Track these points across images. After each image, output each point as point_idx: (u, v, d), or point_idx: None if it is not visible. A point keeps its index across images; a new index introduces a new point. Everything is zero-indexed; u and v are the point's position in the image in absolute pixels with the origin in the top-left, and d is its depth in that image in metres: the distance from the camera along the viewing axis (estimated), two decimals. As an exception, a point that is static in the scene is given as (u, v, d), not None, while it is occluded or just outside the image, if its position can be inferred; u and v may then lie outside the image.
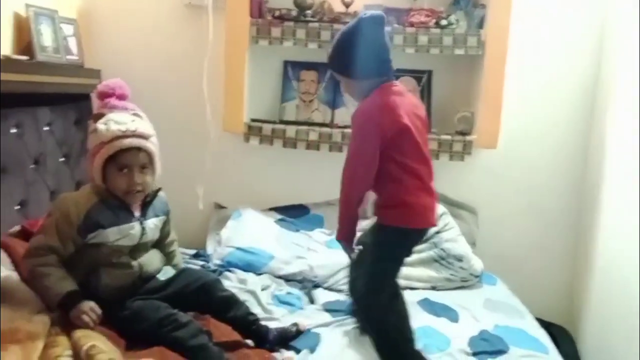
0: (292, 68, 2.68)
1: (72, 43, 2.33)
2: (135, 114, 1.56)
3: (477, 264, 2.31)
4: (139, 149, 1.50)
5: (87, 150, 2.46)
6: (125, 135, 1.47)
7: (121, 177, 1.49)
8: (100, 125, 1.48)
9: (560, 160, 2.61)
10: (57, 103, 2.21)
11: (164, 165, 2.59)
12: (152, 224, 1.61)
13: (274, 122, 2.58)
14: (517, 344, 1.75)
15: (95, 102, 1.61)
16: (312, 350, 1.59)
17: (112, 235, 1.49)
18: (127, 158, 1.49)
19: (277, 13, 2.55)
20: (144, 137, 1.52)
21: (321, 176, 2.50)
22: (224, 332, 1.56)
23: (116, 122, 1.48)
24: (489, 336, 1.79)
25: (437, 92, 2.65)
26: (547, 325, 2.51)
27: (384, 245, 1.63)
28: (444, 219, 2.38)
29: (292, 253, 2.31)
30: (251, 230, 2.41)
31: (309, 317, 1.83)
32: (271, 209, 2.64)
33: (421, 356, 1.56)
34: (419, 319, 1.87)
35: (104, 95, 1.56)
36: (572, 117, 2.57)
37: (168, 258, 1.72)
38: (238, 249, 2.31)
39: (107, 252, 1.49)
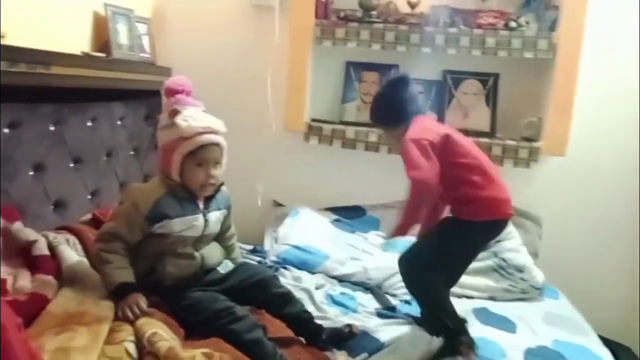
0: (354, 69, 2.68)
1: (145, 41, 2.43)
2: (205, 111, 1.62)
3: (539, 276, 2.23)
4: (215, 144, 1.56)
5: (156, 145, 2.61)
6: (205, 131, 1.53)
7: (199, 172, 1.54)
8: (181, 121, 1.53)
9: (630, 170, 2.47)
10: (129, 98, 2.32)
11: (227, 161, 2.72)
12: (215, 216, 1.65)
13: (334, 123, 2.59)
14: (579, 362, 1.67)
15: (164, 98, 1.65)
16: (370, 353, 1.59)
17: (178, 225, 1.53)
18: (205, 153, 1.54)
19: (342, 14, 2.55)
20: (219, 133, 1.58)
21: (379, 178, 2.49)
22: (278, 327, 1.58)
23: (194, 118, 1.54)
24: (547, 351, 1.72)
25: (504, 96, 2.58)
26: (611, 344, 2.40)
27: (452, 236, 1.70)
28: (506, 228, 2.31)
29: (347, 254, 2.30)
30: (307, 229, 2.43)
31: (361, 319, 1.82)
32: (328, 209, 2.65)
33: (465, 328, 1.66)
34: (473, 329, 1.83)
35: (173, 92, 1.61)
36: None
37: (227, 251, 1.76)
38: (294, 246, 2.33)
39: (172, 241, 1.54)
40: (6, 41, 1.56)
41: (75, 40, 2.03)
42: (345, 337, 1.60)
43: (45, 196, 1.79)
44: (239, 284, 1.60)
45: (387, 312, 1.92)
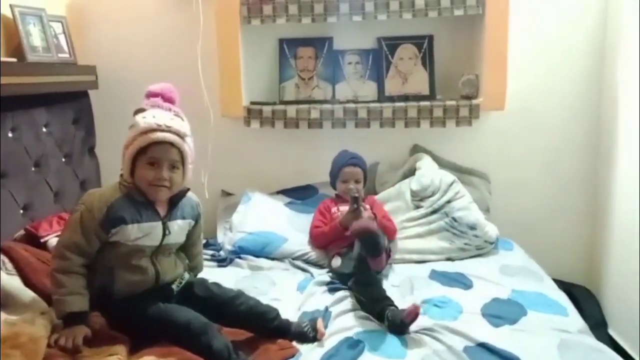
0: (288, 46, 2.62)
1: (63, 41, 2.30)
2: (176, 115, 1.54)
3: (492, 231, 2.26)
4: (171, 144, 1.47)
5: (90, 148, 2.49)
6: (159, 128, 1.45)
7: (148, 170, 1.46)
8: (138, 117, 1.47)
9: (572, 117, 2.52)
10: (53, 103, 2.20)
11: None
12: (177, 225, 1.56)
13: (274, 103, 2.53)
14: (536, 308, 1.70)
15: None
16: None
17: (133, 232, 1.45)
18: (157, 151, 1.46)
19: (267, -10, 2.47)
20: (179, 134, 1.49)
21: (326, 154, 2.44)
22: (239, 331, 1.55)
23: (154, 116, 1.47)
24: (503, 302, 1.75)
25: (440, 57, 2.58)
26: (569, 287, 2.48)
27: None
28: (454, 188, 2.33)
29: (305, 235, 2.27)
30: (262, 214, 2.39)
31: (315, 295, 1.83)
32: (279, 192, 2.60)
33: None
34: (429, 291, 1.85)
35: (150, 94, 1.56)
36: (582, 71, 2.48)
37: (191, 268, 1.69)
38: (249, 233, 2.29)
39: (126, 251, 1.46)
40: None
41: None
42: (308, 339, 1.55)
43: (-29, 217, 1.68)
44: (196, 307, 1.50)
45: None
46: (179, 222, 1.57)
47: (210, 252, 2.26)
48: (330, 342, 1.52)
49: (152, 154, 1.46)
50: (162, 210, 1.53)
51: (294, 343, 1.53)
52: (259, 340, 1.52)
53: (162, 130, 1.46)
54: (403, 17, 2.40)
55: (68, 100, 2.32)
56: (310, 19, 2.42)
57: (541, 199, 2.60)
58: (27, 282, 1.46)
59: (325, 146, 2.52)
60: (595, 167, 2.52)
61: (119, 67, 2.59)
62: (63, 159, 2.26)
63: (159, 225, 1.50)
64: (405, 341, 1.52)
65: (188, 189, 1.61)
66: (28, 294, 1.38)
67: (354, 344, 1.49)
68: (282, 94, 2.61)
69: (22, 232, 1.81)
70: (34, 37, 2.07)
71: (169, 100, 1.57)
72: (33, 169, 2.05)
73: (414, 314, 1.55)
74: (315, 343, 1.53)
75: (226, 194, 2.65)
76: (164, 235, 1.52)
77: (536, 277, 1.99)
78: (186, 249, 1.67)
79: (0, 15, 1.99)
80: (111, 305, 1.44)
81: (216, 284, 1.64)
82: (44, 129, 2.13)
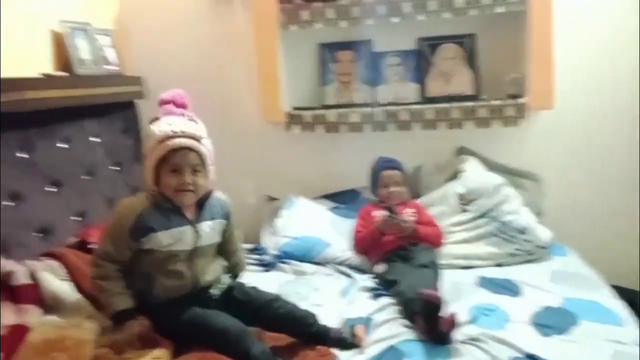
0: (328, 50, 2.62)
1: (110, 53, 2.37)
2: (190, 119, 1.56)
3: (544, 235, 2.17)
4: (189, 149, 1.49)
5: (139, 156, 2.56)
6: (175, 135, 1.47)
7: (172, 177, 1.48)
8: (153, 126, 1.50)
9: (627, 114, 2.39)
10: (102, 113, 2.27)
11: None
12: (207, 227, 1.57)
13: (315, 108, 2.53)
14: (589, 317, 1.61)
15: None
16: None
17: (164, 239, 1.47)
18: (177, 158, 1.47)
19: (305, -5, 2.48)
20: (195, 138, 1.51)
21: (369, 158, 2.42)
22: (280, 336, 1.55)
23: (168, 123, 1.49)
24: (554, 311, 1.67)
25: (484, 56, 2.51)
26: (633, 296, 2.33)
27: None
28: (503, 190, 2.25)
29: (348, 240, 2.26)
30: (305, 219, 2.39)
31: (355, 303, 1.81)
32: (323, 197, 2.60)
33: None
34: (476, 298, 1.79)
35: (163, 102, 1.58)
36: (632, 66, 2.34)
37: (230, 265, 1.70)
38: (293, 238, 2.29)
39: (162, 257, 1.49)
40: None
41: (36, 62, 1.98)
42: (347, 346, 1.54)
43: (26, 224, 1.75)
44: (235, 311, 1.52)
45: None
46: (209, 223, 1.58)
47: (255, 256, 2.28)
48: (371, 350, 1.50)
49: (173, 161, 1.48)
50: (190, 214, 1.55)
51: (333, 350, 1.51)
52: (299, 346, 1.52)
53: (178, 136, 1.47)
54: (442, 16, 2.35)
55: (116, 110, 2.40)
56: (347, 22, 2.40)
57: (599, 200, 2.47)
58: (78, 287, 1.51)
59: (367, 150, 2.49)
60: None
61: (163, 76, 2.62)
62: (114, 168, 2.33)
63: (188, 229, 1.52)
64: (448, 351, 1.47)
65: (211, 191, 1.62)
66: (77, 299, 1.44)
67: (395, 354, 1.46)
68: (323, 98, 2.61)
69: (74, 238, 1.88)
70: (81, 50, 2.14)
71: (181, 105, 1.58)
72: (85, 177, 2.12)
73: (449, 323, 1.50)
74: (356, 350, 1.51)
75: (271, 198, 2.67)
76: (195, 238, 1.53)
77: (591, 284, 1.89)
78: (222, 248, 1.68)
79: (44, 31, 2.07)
80: (151, 309, 1.47)
81: (254, 288, 1.65)
82: (95, 139, 2.21)
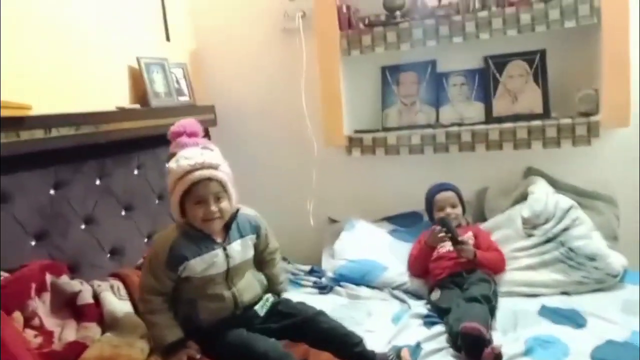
0: (390, 73, 2.63)
1: (184, 85, 2.55)
2: (205, 147, 1.61)
3: (617, 262, 2.02)
4: (209, 179, 1.53)
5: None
6: (194, 168, 1.51)
7: (198, 209, 1.53)
8: (172, 163, 1.55)
9: None
10: (176, 142, 2.44)
11: (276, 185, 2.77)
12: (237, 245, 1.61)
13: (375, 131, 2.55)
14: (659, 355, 1.49)
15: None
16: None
17: (198, 265, 1.53)
18: (200, 190, 1.52)
19: (366, 21, 2.52)
20: (213, 167, 1.54)
21: (431, 180, 2.39)
22: (324, 356, 1.57)
23: (185, 157, 1.53)
24: (619, 346, 1.55)
25: (554, 73, 2.39)
26: None
27: None
28: (572, 214, 2.12)
29: (406, 264, 2.24)
30: (364, 242, 2.40)
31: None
32: (384, 219, 2.60)
33: None
34: (535, 328, 1.71)
35: (175, 135, 1.62)
36: None
37: (270, 281, 1.74)
38: (351, 261, 2.31)
39: (200, 283, 1.54)
40: (42, 109, 1.69)
41: (113, 95, 2.18)
42: None
43: (100, 246, 1.92)
44: (280, 324, 1.58)
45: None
46: (239, 241, 1.63)
47: (313, 279, 2.33)
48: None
49: (196, 194, 1.52)
50: (219, 237, 1.60)
51: None
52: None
53: (197, 169, 1.51)
54: (507, 34, 2.28)
55: (189, 138, 2.56)
56: (409, 44, 2.40)
57: (681, 224, 2.26)
58: (136, 307, 1.63)
59: (429, 172, 2.48)
60: None
61: (233, 105, 2.80)
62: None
63: (219, 252, 1.57)
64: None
65: (238, 209, 1.65)
66: (133, 319, 1.54)
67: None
68: (385, 120, 2.62)
69: (142, 260, 2.02)
70: (157, 84, 2.33)
71: (192, 134, 1.63)
72: (156, 201, 2.28)
73: (491, 356, 1.44)
74: None
75: (332, 221, 2.71)
76: (227, 260, 1.58)
77: (667, 317, 1.73)
78: (258, 261, 1.72)
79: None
80: (197, 333, 1.54)
81: (301, 303, 1.68)
82: (167, 165, 2.37)
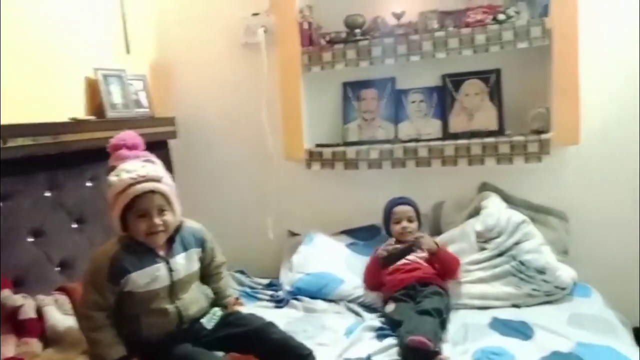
0: (352, 89, 2.67)
1: (143, 97, 2.54)
2: (146, 160, 1.60)
3: (565, 275, 2.07)
4: (152, 192, 1.51)
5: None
6: (137, 181, 1.49)
7: (141, 223, 1.51)
8: (112, 177, 1.53)
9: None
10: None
11: (236, 198, 2.76)
12: (181, 259, 1.60)
13: (336, 145, 2.57)
14: (600, 366, 1.53)
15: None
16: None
17: (141, 279, 1.50)
18: (143, 203, 1.50)
19: (327, 38, 2.55)
20: (156, 179, 1.53)
21: (389, 194, 2.41)
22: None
23: (126, 170, 1.51)
24: (565, 356, 1.59)
25: (509, 91, 2.47)
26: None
27: None
28: (523, 228, 2.18)
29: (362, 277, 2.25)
30: (322, 255, 2.41)
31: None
32: (343, 232, 2.61)
33: None
34: (484, 341, 1.73)
35: (115, 148, 1.60)
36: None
37: (217, 295, 1.73)
38: (308, 274, 2.32)
39: (143, 298, 1.52)
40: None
41: (70, 106, 2.16)
42: None
43: (48, 259, 1.88)
44: (228, 335, 1.56)
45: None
46: (182, 255, 1.61)
47: (270, 292, 2.32)
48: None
49: (139, 207, 1.50)
50: (162, 251, 1.58)
51: None
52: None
53: (139, 182, 1.50)
54: (463, 54, 2.35)
55: (148, 150, 2.53)
56: (368, 62, 2.45)
57: (629, 239, 2.33)
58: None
59: (388, 186, 2.50)
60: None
61: (196, 118, 2.80)
62: (142, 204, 2.46)
63: (161, 266, 1.55)
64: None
65: (181, 223, 1.64)
66: (75, 334, 1.51)
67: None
68: (346, 135, 2.65)
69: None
70: (114, 95, 2.31)
71: (133, 147, 1.61)
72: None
73: None
74: None
75: (292, 234, 2.71)
76: (170, 273, 1.56)
77: (609, 328, 1.78)
78: (206, 279, 1.71)
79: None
80: (142, 350, 1.51)
81: (251, 314, 1.68)
82: (123, 177, 2.35)
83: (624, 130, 2.30)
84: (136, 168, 1.53)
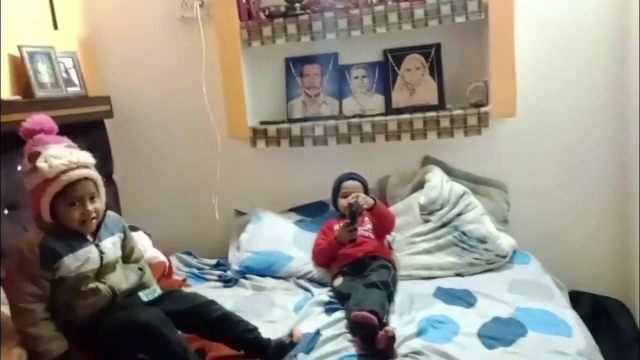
0: (294, 64, 2.63)
1: (74, 75, 2.41)
2: (69, 146, 1.53)
3: (505, 244, 2.16)
4: (86, 178, 1.48)
5: (107, 175, 2.57)
6: (70, 168, 1.44)
7: (74, 210, 1.47)
8: (41, 163, 1.44)
9: (590, 118, 2.38)
10: (67, 135, 2.28)
11: (179, 179, 2.70)
12: (110, 243, 1.58)
13: (281, 122, 2.54)
14: (537, 328, 1.60)
15: (26, 143, 1.54)
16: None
17: (72, 263, 1.46)
18: (77, 190, 1.46)
19: (266, 12, 2.49)
20: (87, 166, 1.49)
21: (336, 171, 2.42)
22: (219, 347, 1.56)
23: (56, 157, 1.44)
24: (503, 322, 1.66)
25: (449, 66, 2.50)
26: (602, 301, 2.33)
27: None
28: (465, 199, 2.24)
29: (310, 253, 2.26)
30: (269, 233, 2.40)
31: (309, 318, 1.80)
32: (291, 210, 2.60)
33: None
34: (429, 310, 1.78)
35: (31, 133, 1.52)
36: (598, 70, 2.34)
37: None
38: (256, 253, 2.30)
39: (74, 282, 1.47)
40: None
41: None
42: (287, 348, 1.55)
43: (-23, 248, 1.78)
44: (169, 313, 1.50)
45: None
46: (110, 239, 1.59)
47: (218, 272, 2.30)
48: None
49: (72, 194, 1.46)
50: (89, 235, 1.54)
51: None
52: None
53: (72, 169, 1.45)
54: (403, 28, 2.35)
55: (83, 130, 2.40)
56: (309, 37, 2.41)
57: (564, 206, 2.45)
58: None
59: (334, 162, 2.51)
60: (620, 167, 2.36)
61: (133, 96, 2.69)
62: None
63: (92, 248, 1.52)
64: (388, 366, 1.47)
65: (107, 210, 1.61)
66: (10, 324, 1.43)
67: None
68: (290, 112, 2.62)
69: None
70: (42, 74, 2.18)
71: (50, 131, 1.54)
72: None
73: (385, 339, 1.49)
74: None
75: (239, 213, 2.68)
76: (101, 256, 1.53)
77: (547, 293, 1.88)
78: (125, 261, 1.68)
79: None
80: (80, 332, 1.46)
81: (193, 293, 1.68)
82: (57, 160, 2.23)
83: (559, 103, 2.39)
84: (64, 154, 1.47)
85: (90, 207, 1.49)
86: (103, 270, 1.54)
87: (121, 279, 1.57)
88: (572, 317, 1.69)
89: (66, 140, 1.56)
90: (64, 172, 1.44)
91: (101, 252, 1.53)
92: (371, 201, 2.14)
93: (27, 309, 1.42)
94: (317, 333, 1.68)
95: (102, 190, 1.56)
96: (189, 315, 1.55)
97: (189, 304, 1.57)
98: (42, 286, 1.44)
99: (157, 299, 1.58)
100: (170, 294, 1.63)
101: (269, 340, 1.58)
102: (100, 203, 1.53)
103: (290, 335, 1.58)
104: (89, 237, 1.54)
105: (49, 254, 1.44)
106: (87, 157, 1.52)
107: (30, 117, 1.55)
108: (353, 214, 2.06)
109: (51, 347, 1.41)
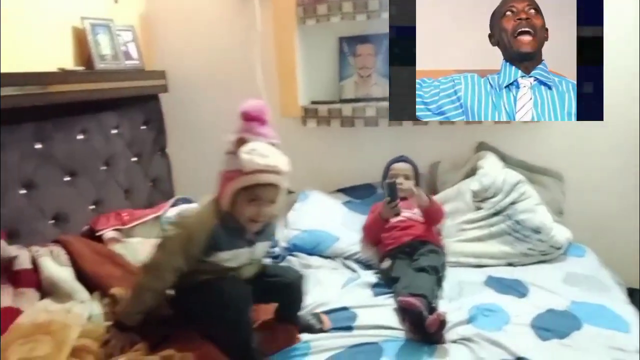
0: (348, 44, 2.60)
1: (133, 48, 2.45)
2: (272, 144, 1.52)
3: (560, 235, 2.08)
4: (274, 185, 1.47)
5: (161, 148, 2.63)
6: (266, 170, 1.43)
7: (250, 207, 1.46)
8: (244, 154, 1.43)
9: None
10: (123, 107, 2.35)
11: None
12: (262, 246, 1.61)
13: (332, 102, 2.52)
14: (593, 322, 1.54)
15: (239, 123, 1.52)
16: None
17: (225, 256, 1.49)
18: (260, 192, 1.45)
19: (324, -11, 2.46)
20: (281, 174, 1.48)
21: (386, 153, 2.38)
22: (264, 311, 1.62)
23: (261, 154, 1.43)
24: (558, 314, 1.61)
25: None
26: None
27: None
28: (519, 188, 2.17)
29: (359, 235, 2.25)
30: (317, 213, 2.40)
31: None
32: (339, 190, 2.59)
33: None
34: (479, 297, 1.75)
35: (249, 117, 1.51)
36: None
37: None
38: (303, 231, 2.31)
39: (215, 269, 1.51)
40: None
41: (56, 57, 2.08)
42: (316, 331, 1.59)
43: (41, 212, 1.85)
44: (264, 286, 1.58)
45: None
46: (265, 243, 1.62)
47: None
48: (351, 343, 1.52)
49: (256, 193, 1.45)
50: (250, 235, 1.55)
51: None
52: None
53: (267, 172, 1.44)
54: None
55: (138, 103, 2.48)
56: (365, 15, 2.37)
57: (622, 200, 2.34)
58: (77, 274, 1.57)
59: (384, 145, 2.48)
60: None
61: (188, 71, 2.72)
62: (133, 159, 2.42)
63: (246, 250, 1.54)
64: (432, 352, 1.45)
65: (275, 215, 1.64)
66: (72, 285, 1.49)
67: (375, 350, 1.46)
68: (342, 92, 2.60)
69: (87, 226, 1.96)
70: (102, 46, 2.23)
71: (264, 122, 1.53)
72: (103, 167, 2.21)
73: (436, 322, 1.47)
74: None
75: (288, 191, 2.67)
76: (250, 257, 1.56)
77: (603, 287, 1.80)
78: None
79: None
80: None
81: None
82: (114, 131, 2.29)
83: (617, 96, 2.25)
84: (269, 154, 1.46)
85: (266, 210, 1.49)
86: (242, 266, 1.57)
87: (250, 271, 1.60)
88: (630, 314, 1.62)
89: (272, 135, 1.54)
90: (260, 172, 1.43)
91: (252, 254, 1.56)
92: (426, 201, 2.09)
93: (162, 277, 1.46)
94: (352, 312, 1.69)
95: (282, 198, 1.55)
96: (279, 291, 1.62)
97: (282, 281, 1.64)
98: (189, 264, 1.47)
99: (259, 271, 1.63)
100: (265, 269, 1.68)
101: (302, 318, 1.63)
102: (274, 210, 1.55)
103: (320, 321, 1.60)
104: (250, 237, 1.55)
105: (213, 245, 1.46)
106: (284, 165, 1.49)
107: (251, 101, 1.54)
108: (391, 190, 2.03)
109: (136, 318, 1.44)
